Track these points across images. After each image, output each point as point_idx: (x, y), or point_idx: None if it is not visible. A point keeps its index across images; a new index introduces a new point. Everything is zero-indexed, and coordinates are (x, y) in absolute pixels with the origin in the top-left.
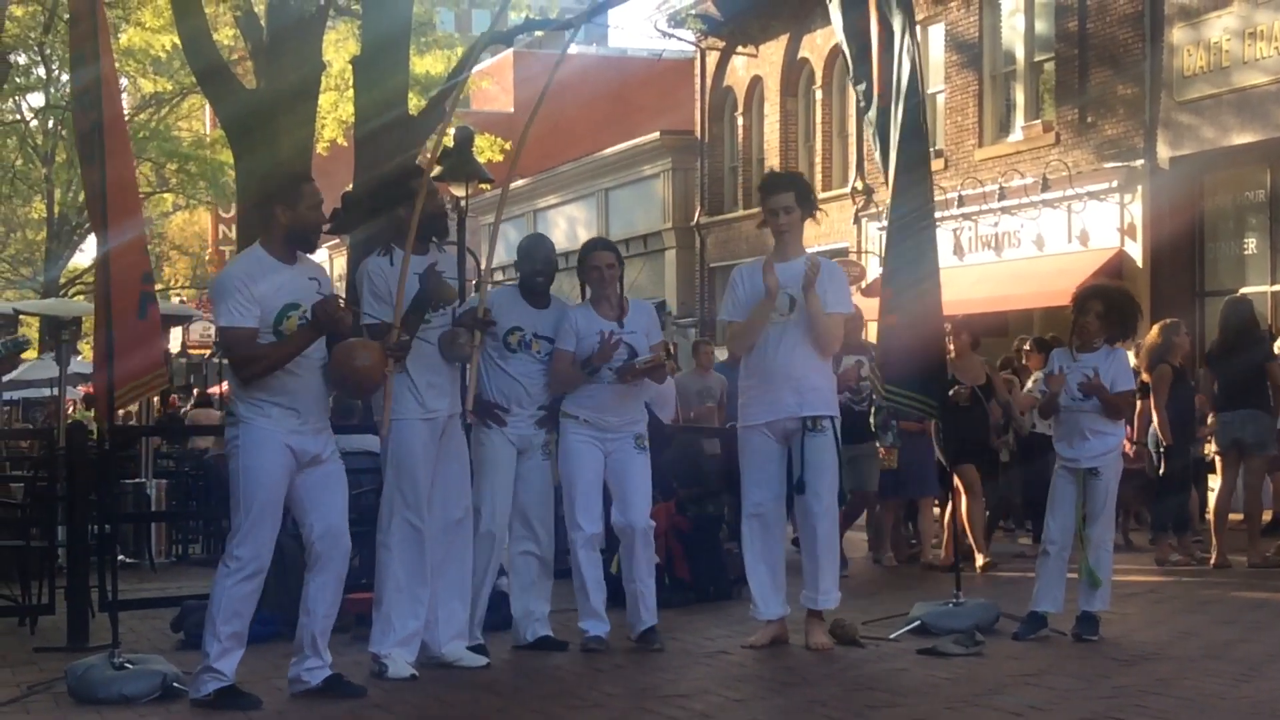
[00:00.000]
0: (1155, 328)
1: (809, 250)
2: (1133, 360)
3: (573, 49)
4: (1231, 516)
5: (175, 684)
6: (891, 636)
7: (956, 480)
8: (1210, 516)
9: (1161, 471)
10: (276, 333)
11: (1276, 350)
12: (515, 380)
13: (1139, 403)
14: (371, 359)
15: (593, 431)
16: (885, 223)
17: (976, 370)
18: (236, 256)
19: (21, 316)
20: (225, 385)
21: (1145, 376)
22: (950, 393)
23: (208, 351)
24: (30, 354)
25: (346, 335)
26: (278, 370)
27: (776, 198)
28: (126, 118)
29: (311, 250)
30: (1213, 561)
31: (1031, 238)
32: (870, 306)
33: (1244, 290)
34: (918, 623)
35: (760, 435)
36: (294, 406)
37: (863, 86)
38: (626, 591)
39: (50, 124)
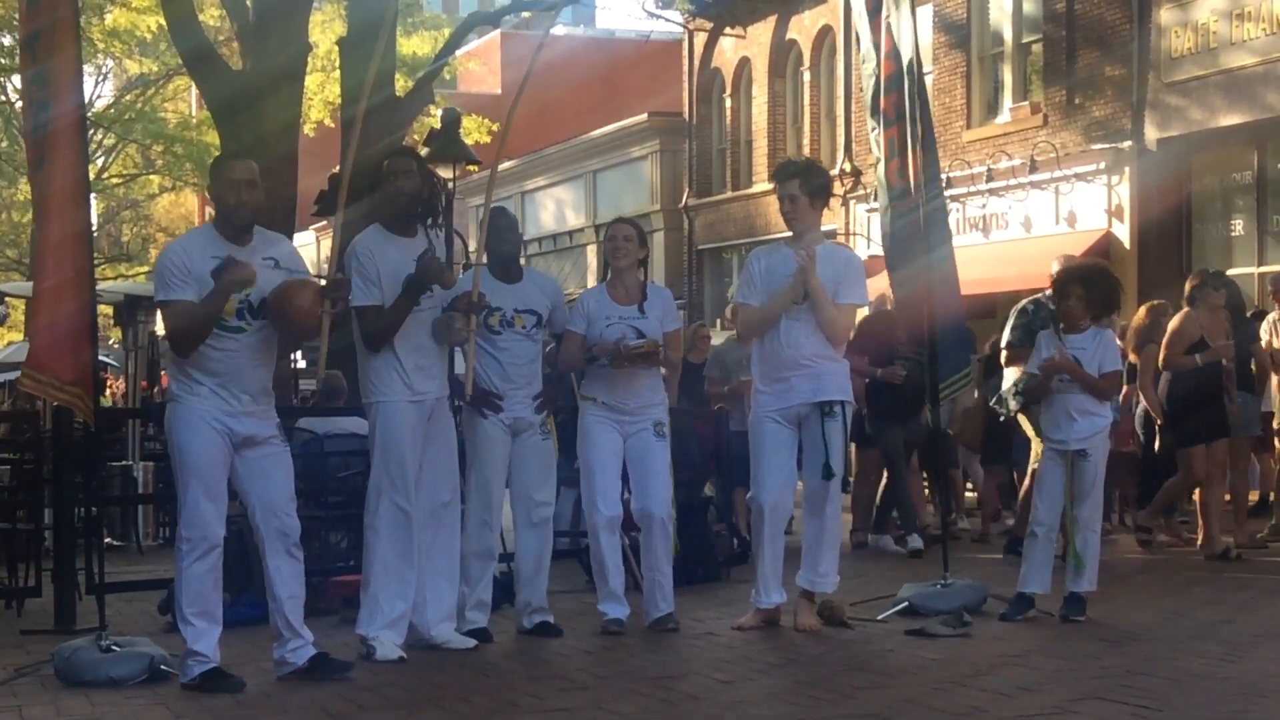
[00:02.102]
0: (1142, 309)
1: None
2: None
3: (560, 30)
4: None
5: (163, 666)
6: (879, 618)
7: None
8: (1196, 498)
9: (1154, 451)
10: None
11: (1261, 332)
12: (504, 363)
13: (1125, 386)
14: (307, 299)
15: (610, 414)
16: (873, 204)
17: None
18: (186, 233)
19: (7, 299)
20: None
21: (1133, 358)
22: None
23: None
24: (16, 335)
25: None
26: (206, 337)
27: (783, 185)
28: (111, 100)
29: (237, 232)
30: (1199, 543)
31: (1019, 219)
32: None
33: (1231, 272)
34: (905, 604)
35: (773, 424)
36: (224, 386)
37: (869, 65)
38: (644, 579)
39: None
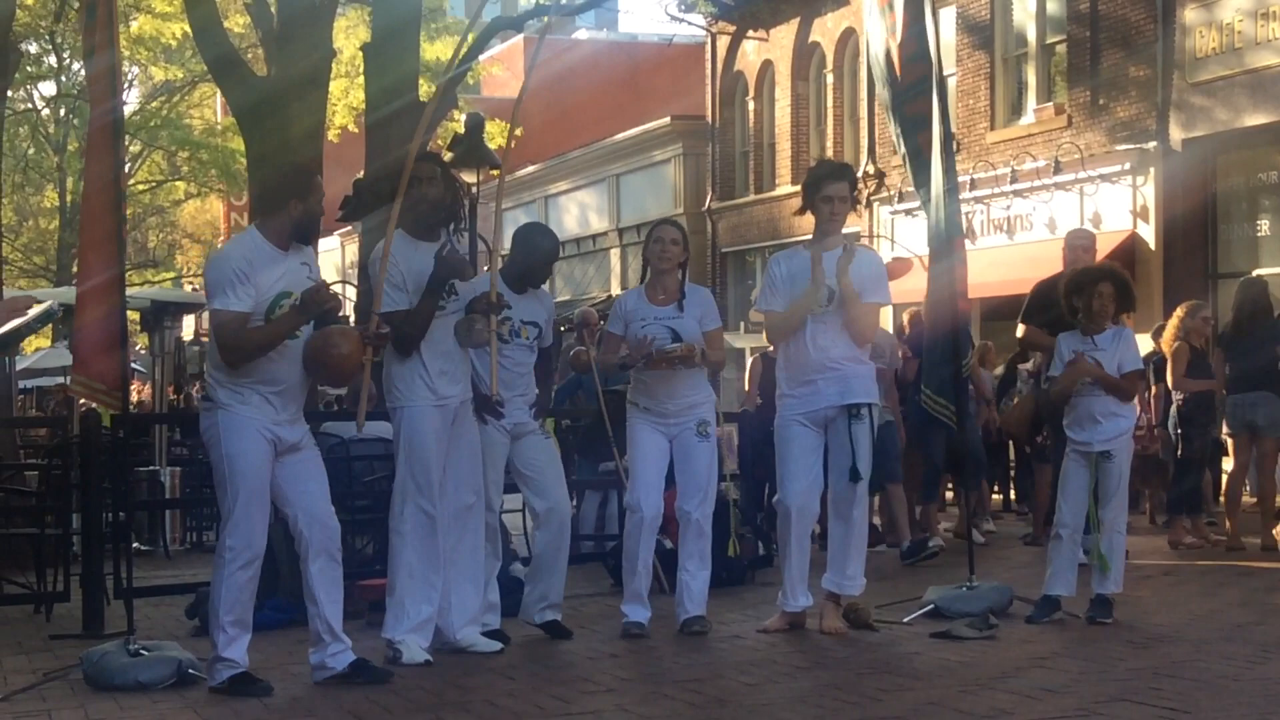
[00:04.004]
0: (1180, 307)
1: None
2: (1150, 344)
3: (583, 34)
4: (1245, 499)
5: (190, 670)
6: (905, 620)
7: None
8: (1223, 499)
9: (1180, 453)
10: (268, 321)
11: None
12: (509, 371)
13: (1154, 386)
14: (349, 346)
15: (654, 418)
16: (896, 206)
17: None
18: (233, 239)
19: (35, 304)
20: None
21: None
22: None
23: None
24: (44, 341)
25: (333, 321)
26: (263, 356)
27: (834, 186)
28: (137, 107)
29: (312, 242)
30: (1226, 544)
31: (1044, 221)
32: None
33: (1257, 272)
34: (931, 606)
35: (800, 427)
36: (275, 394)
37: (881, 67)
38: (677, 579)
39: (62, 113)
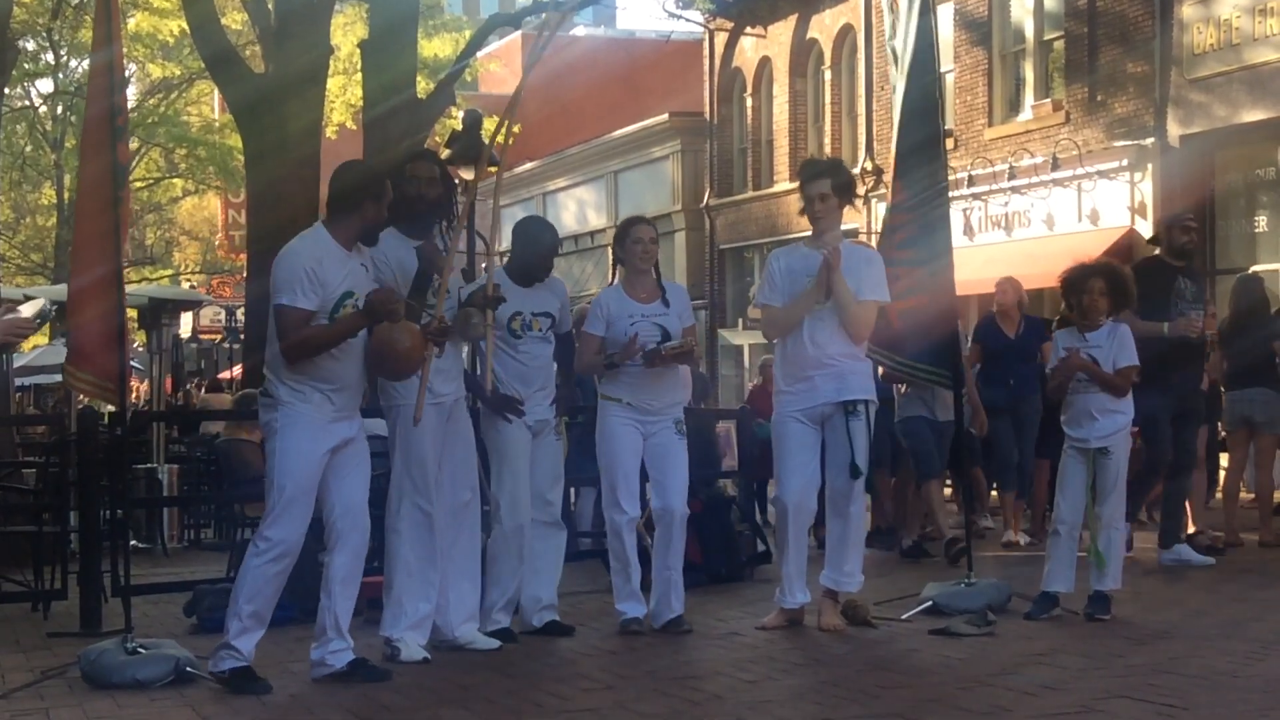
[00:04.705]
0: None
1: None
2: None
3: (581, 31)
4: (1243, 495)
5: (188, 669)
6: (903, 617)
7: None
8: (1221, 495)
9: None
10: (332, 320)
11: None
12: (526, 365)
13: None
14: (412, 341)
15: (633, 414)
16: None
17: None
18: (301, 236)
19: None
20: (239, 369)
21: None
22: None
23: (219, 337)
24: (41, 339)
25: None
26: (323, 354)
27: (813, 185)
28: (134, 103)
29: (373, 244)
30: (1224, 540)
31: (1042, 217)
32: None
33: (1255, 268)
34: (930, 603)
35: (797, 423)
36: (334, 392)
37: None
38: (657, 578)
39: (59, 110)
